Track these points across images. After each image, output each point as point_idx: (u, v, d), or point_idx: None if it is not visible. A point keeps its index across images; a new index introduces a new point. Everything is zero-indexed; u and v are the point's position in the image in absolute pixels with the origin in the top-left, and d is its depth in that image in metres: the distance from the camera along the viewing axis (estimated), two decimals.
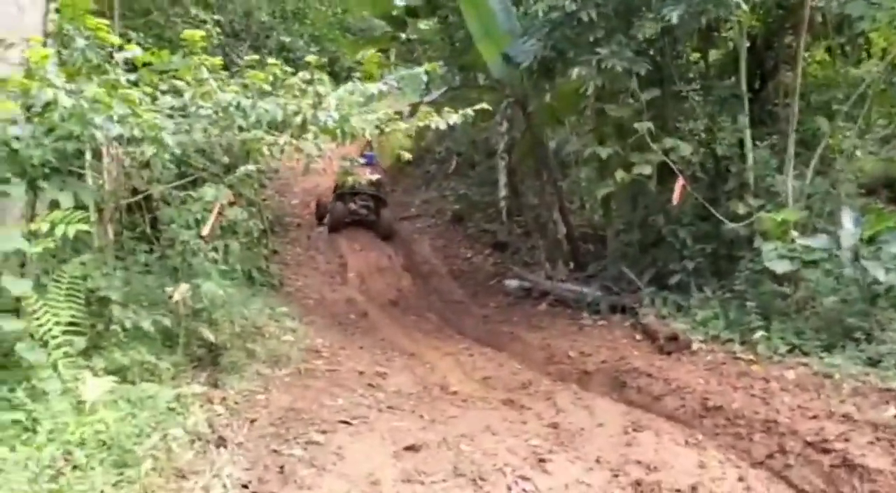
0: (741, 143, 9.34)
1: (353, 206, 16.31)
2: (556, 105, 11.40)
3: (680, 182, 8.79)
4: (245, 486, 4.18)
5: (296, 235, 15.67)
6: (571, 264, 12.33)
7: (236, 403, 5.47)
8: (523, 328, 10.09)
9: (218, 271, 7.04)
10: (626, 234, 11.14)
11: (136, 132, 4.79)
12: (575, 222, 13.30)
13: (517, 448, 5.21)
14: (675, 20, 7.65)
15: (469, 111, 6.12)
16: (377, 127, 5.94)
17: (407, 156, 7.97)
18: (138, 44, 5.91)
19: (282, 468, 4.46)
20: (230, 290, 6.84)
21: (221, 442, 4.66)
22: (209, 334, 6.18)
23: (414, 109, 11.06)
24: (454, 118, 6.03)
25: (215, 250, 7.00)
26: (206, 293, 6.19)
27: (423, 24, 18.54)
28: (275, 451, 4.74)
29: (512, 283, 12.52)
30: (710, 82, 10.03)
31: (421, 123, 6.10)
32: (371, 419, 5.67)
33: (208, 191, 5.64)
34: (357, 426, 5.42)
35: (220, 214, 6.57)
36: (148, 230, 6.78)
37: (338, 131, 5.66)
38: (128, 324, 5.20)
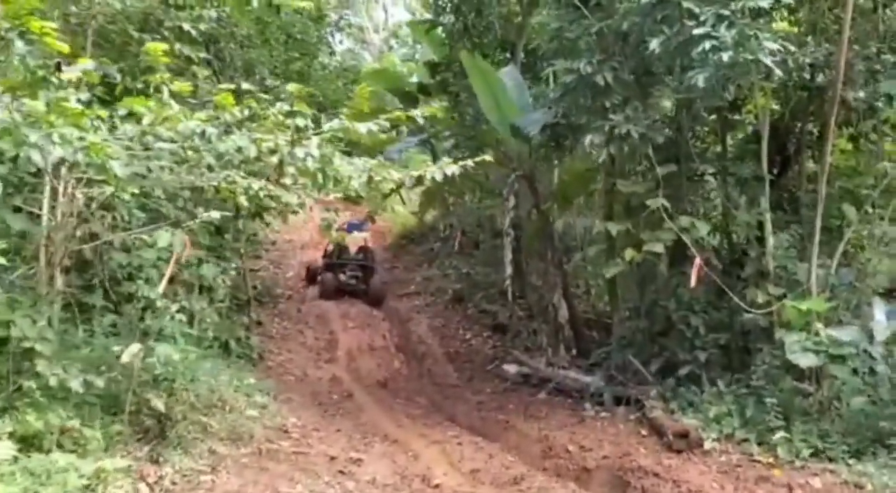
0: (760, 227, 8.80)
1: (342, 277, 16.60)
2: (565, 179, 11.03)
3: (697, 263, 8.26)
4: None
5: (285, 308, 15.12)
6: (574, 351, 11.84)
7: (174, 483, 4.76)
8: (519, 418, 9.51)
9: (184, 334, 6.37)
10: (632, 320, 10.63)
11: (81, 157, 4.13)
12: (578, 308, 12.88)
13: None
14: (701, 83, 7.10)
15: (470, 163, 5.56)
16: (368, 175, 5.30)
17: (400, 208, 7.45)
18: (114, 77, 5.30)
19: None
20: (192, 355, 6.14)
21: None
22: (158, 403, 5.45)
23: (419, 180, 10.78)
24: (453, 169, 5.43)
25: (182, 310, 6.34)
26: (160, 356, 5.50)
27: (434, 103, 18.47)
28: None
29: (510, 368, 12.00)
30: (730, 163, 9.51)
31: (415, 174, 5.48)
32: None
33: (163, 235, 4.92)
34: None
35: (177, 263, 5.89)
36: (107, 283, 6.11)
37: (319, 176, 5.01)
38: (52, 382, 4.45)
